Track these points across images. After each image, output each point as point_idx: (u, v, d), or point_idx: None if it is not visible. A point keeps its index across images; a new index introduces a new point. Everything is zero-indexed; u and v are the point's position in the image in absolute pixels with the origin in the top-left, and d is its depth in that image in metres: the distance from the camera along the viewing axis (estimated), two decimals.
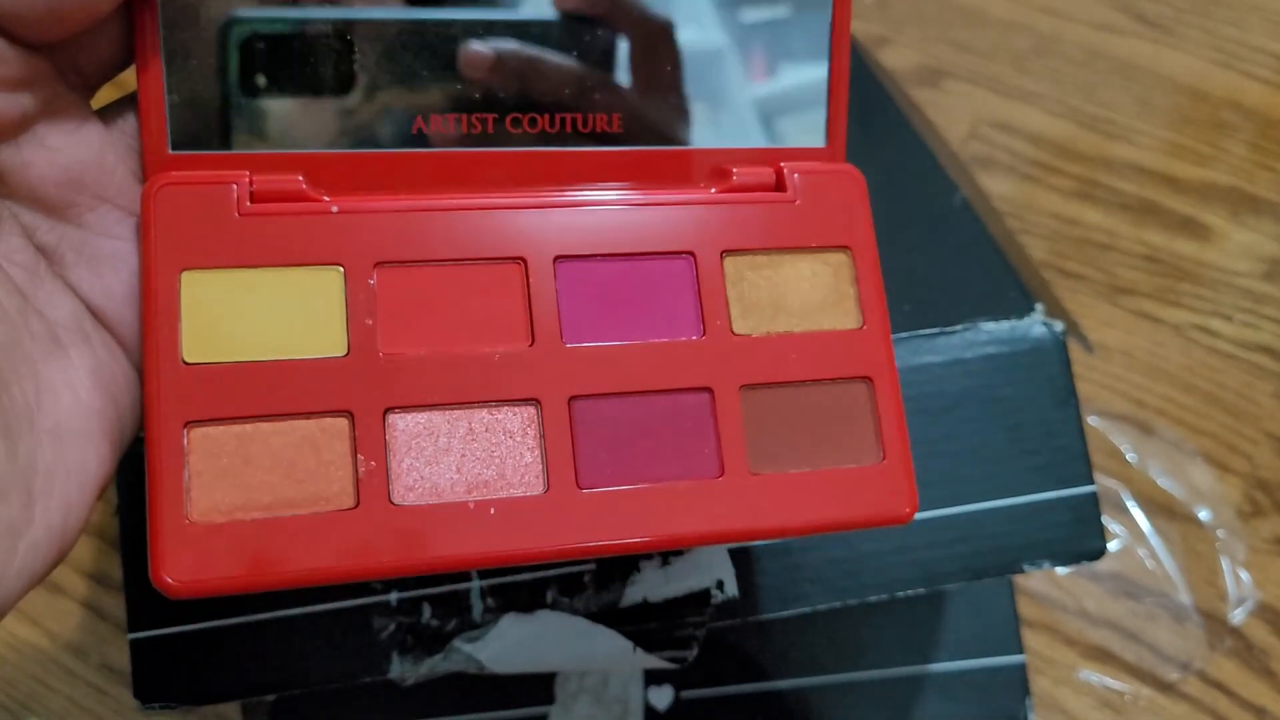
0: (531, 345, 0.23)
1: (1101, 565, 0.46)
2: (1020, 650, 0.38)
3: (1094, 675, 0.44)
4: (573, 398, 0.23)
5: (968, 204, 0.38)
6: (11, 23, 0.20)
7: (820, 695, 0.37)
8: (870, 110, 0.42)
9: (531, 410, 0.23)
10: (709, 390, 0.24)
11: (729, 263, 0.25)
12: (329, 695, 0.33)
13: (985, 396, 0.33)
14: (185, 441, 0.21)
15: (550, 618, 0.30)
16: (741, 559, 0.31)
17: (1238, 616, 0.45)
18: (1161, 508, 0.47)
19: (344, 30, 0.23)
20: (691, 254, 0.25)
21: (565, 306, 0.24)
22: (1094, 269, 0.53)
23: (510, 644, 0.30)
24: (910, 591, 0.32)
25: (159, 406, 0.21)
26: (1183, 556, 0.46)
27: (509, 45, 0.24)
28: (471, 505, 0.22)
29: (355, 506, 0.22)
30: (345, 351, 0.23)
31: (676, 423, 0.24)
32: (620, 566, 0.31)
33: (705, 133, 0.26)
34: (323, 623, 0.30)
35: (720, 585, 0.31)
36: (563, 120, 0.25)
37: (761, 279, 0.25)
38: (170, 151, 0.23)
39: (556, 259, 0.24)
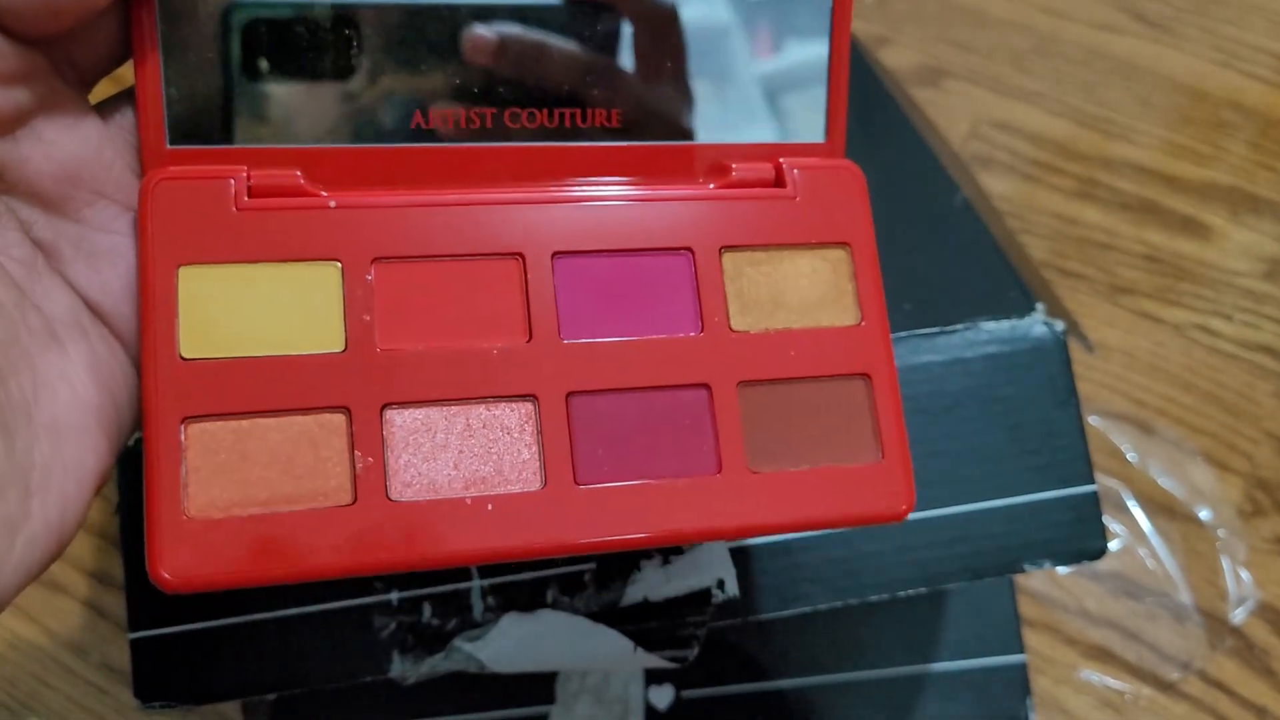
0: (529, 341, 0.23)
1: (1102, 565, 0.46)
2: (1021, 650, 0.38)
3: (1094, 675, 0.44)
4: (570, 394, 0.23)
5: (968, 204, 0.38)
6: (8, 18, 0.20)
7: (821, 695, 0.37)
8: (871, 110, 0.42)
9: (529, 406, 0.23)
10: (707, 387, 0.24)
11: (728, 259, 0.25)
12: (330, 694, 0.33)
13: (986, 396, 0.33)
14: (183, 437, 0.21)
15: (551, 617, 0.30)
16: (742, 558, 0.31)
17: (1238, 616, 0.45)
18: (1162, 507, 0.47)
19: (346, 15, 0.23)
20: (690, 250, 0.25)
21: (563, 302, 0.24)
22: (1094, 268, 0.53)
23: (511, 643, 0.30)
24: (911, 591, 0.32)
25: (156, 402, 0.21)
26: (1183, 556, 0.46)
27: (512, 30, 0.24)
28: (469, 501, 0.22)
29: (353, 502, 0.22)
30: (343, 347, 0.23)
31: (674, 419, 0.24)
32: (621, 566, 0.31)
33: (705, 128, 0.26)
34: (323, 622, 0.30)
35: (721, 585, 0.31)
36: (562, 115, 0.25)
37: (760, 275, 0.25)
38: (168, 146, 0.23)
39: (555, 255, 0.24)
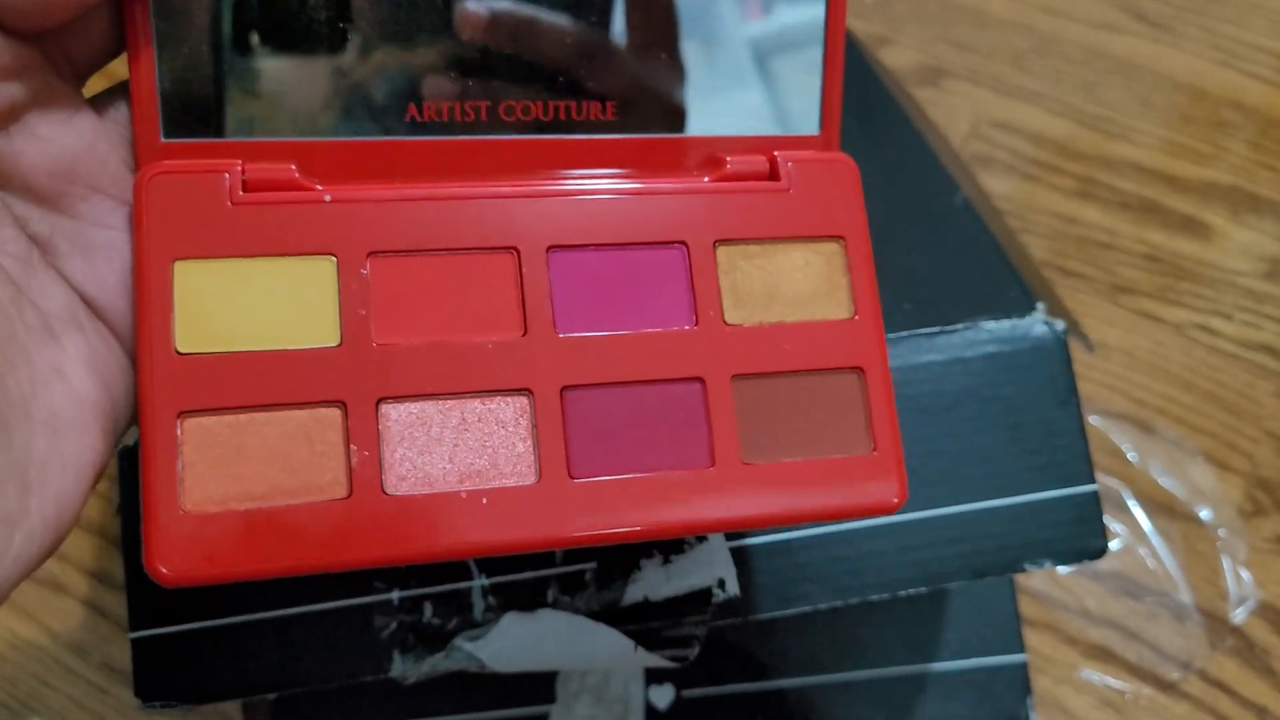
0: (524, 335, 0.23)
1: (1102, 564, 0.46)
2: (1021, 649, 0.38)
3: (1095, 674, 0.44)
4: (565, 388, 0.23)
5: (968, 203, 0.38)
6: (3, 13, 0.20)
7: (821, 694, 0.37)
8: (871, 109, 0.42)
9: (524, 400, 0.23)
10: (701, 380, 0.24)
11: (722, 252, 0.25)
12: (330, 694, 0.33)
13: (986, 395, 0.33)
14: (179, 432, 0.21)
15: (551, 616, 0.30)
16: (743, 558, 0.31)
17: (1239, 616, 0.45)
18: (1162, 507, 0.47)
19: None
20: (684, 243, 0.25)
21: (558, 296, 0.24)
22: (1094, 268, 0.53)
23: (511, 643, 0.30)
24: (911, 590, 0.32)
25: (152, 397, 0.21)
26: (1184, 556, 0.46)
27: (504, 5, 0.24)
28: (464, 495, 0.22)
29: (348, 496, 0.22)
30: (338, 341, 0.23)
31: (668, 413, 0.24)
32: (621, 565, 0.31)
33: (699, 120, 0.26)
34: (324, 621, 0.30)
35: (721, 584, 0.31)
36: (556, 108, 0.25)
37: (754, 268, 0.25)
38: (162, 140, 0.23)
39: (549, 249, 0.24)
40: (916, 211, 0.38)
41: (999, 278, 0.35)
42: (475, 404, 0.23)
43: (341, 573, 0.30)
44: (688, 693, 0.36)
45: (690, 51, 0.25)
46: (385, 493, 0.22)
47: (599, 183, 0.25)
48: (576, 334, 0.24)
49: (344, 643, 0.30)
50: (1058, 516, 0.32)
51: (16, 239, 0.22)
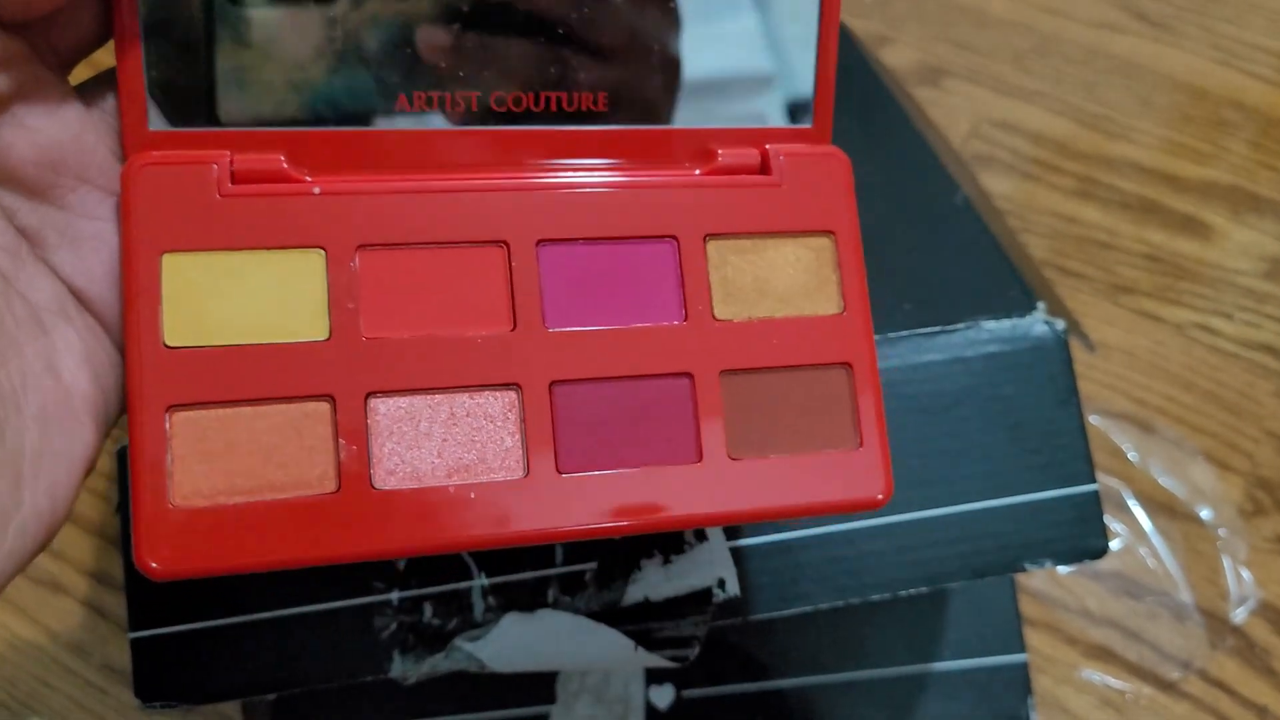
0: (513, 329, 0.23)
1: (1103, 564, 0.46)
2: (1022, 649, 0.38)
3: (1095, 674, 0.44)
4: (554, 382, 0.23)
5: (969, 202, 0.38)
6: None
7: (822, 694, 0.37)
8: (871, 109, 0.42)
9: (512, 395, 0.23)
10: (690, 376, 0.24)
11: (712, 247, 0.25)
12: (330, 694, 0.33)
13: (986, 395, 0.33)
14: (168, 425, 0.21)
15: (552, 617, 0.30)
16: (743, 558, 0.31)
17: (1239, 615, 0.45)
18: (1163, 507, 0.47)
19: None
20: (674, 238, 0.25)
21: (547, 290, 0.24)
22: (1095, 268, 0.53)
23: (511, 643, 0.30)
24: (912, 590, 0.32)
25: (141, 390, 0.21)
26: (1184, 555, 0.46)
27: (465, 25, 0.24)
28: (452, 489, 0.22)
29: (337, 491, 0.22)
30: (327, 335, 0.23)
31: (656, 408, 0.24)
32: (621, 565, 0.31)
33: (691, 111, 0.26)
34: (324, 622, 0.30)
35: (722, 584, 0.31)
36: (547, 99, 0.25)
37: (744, 263, 0.25)
38: (150, 129, 0.23)
39: (539, 242, 0.24)
40: (917, 211, 0.38)
41: (999, 277, 0.35)
42: (464, 398, 0.23)
43: (333, 568, 0.30)
44: (688, 693, 0.36)
45: (683, 41, 0.25)
46: (374, 487, 0.22)
47: (589, 175, 0.25)
48: (565, 328, 0.24)
49: (344, 643, 0.30)
50: (1058, 516, 0.32)
51: (4, 231, 0.22)
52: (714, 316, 0.25)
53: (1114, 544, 0.46)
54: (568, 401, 0.23)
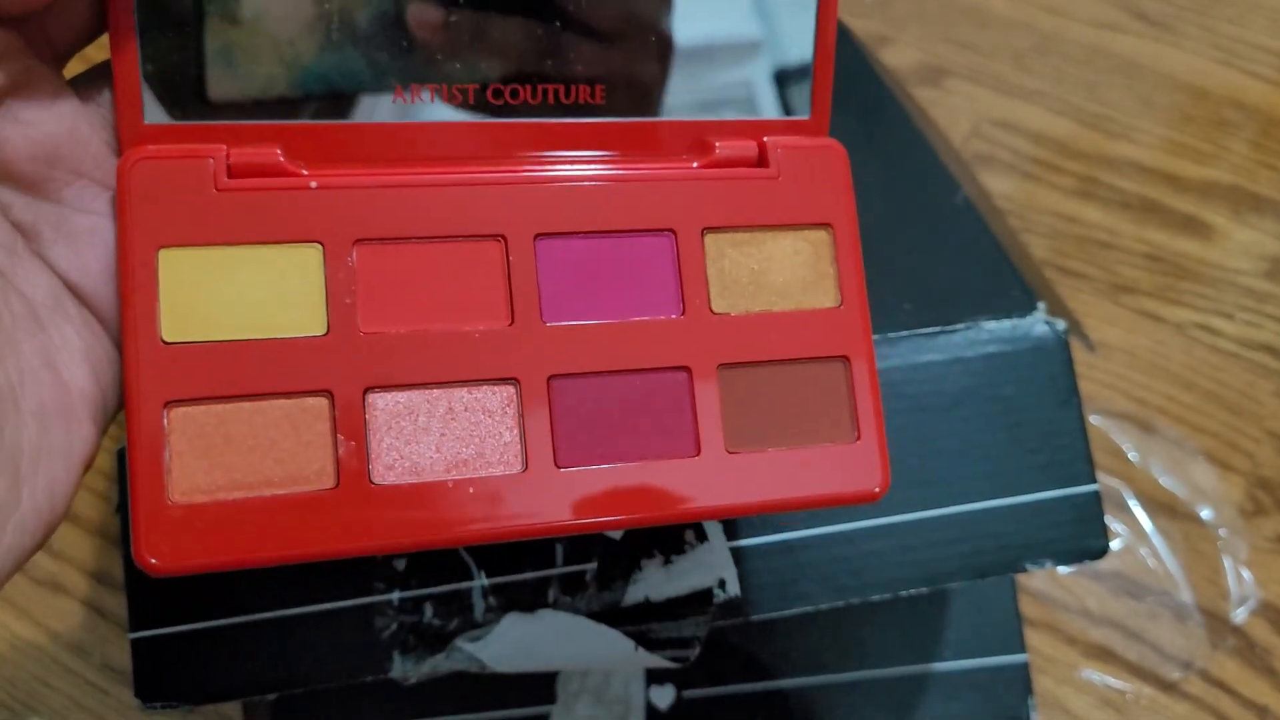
0: (511, 324, 0.23)
1: (1103, 564, 0.46)
2: (1022, 649, 0.38)
3: (1096, 674, 0.44)
4: (552, 377, 0.23)
5: (969, 202, 0.38)
6: None
7: (822, 694, 0.37)
8: (872, 108, 0.42)
9: (511, 389, 0.23)
10: (687, 369, 0.24)
11: (710, 240, 0.25)
12: (330, 695, 0.33)
13: (987, 395, 0.32)
14: (165, 421, 0.21)
15: (552, 617, 0.30)
16: (744, 558, 0.31)
17: (1240, 615, 0.45)
18: (1163, 507, 0.47)
19: None
20: (672, 231, 0.25)
21: (545, 284, 0.24)
22: (1095, 267, 0.53)
23: (512, 643, 0.30)
24: (912, 591, 0.32)
25: (138, 386, 0.21)
26: (1185, 555, 0.46)
27: (458, 4, 0.24)
28: (450, 484, 0.22)
29: (335, 486, 0.22)
30: (325, 330, 0.22)
31: (654, 402, 0.24)
32: (622, 565, 0.31)
33: (688, 103, 0.26)
34: (324, 622, 0.30)
35: (722, 584, 0.31)
36: (545, 91, 0.25)
37: (742, 256, 0.25)
38: (145, 122, 0.22)
39: (537, 236, 0.24)
40: (918, 211, 0.38)
41: (1000, 277, 0.35)
42: (462, 393, 0.23)
43: (333, 568, 0.30)
44: (688, 693, 0.36)
45: (681, 39, 0.25)
46: (372, 482, 0.22)
47: (587, 169, 0.25)
48: (563, 323, 0.24)
49: (344, 643, 0.30)
50: (1058, 516, 0.32)
51: (0, 227, 0.21)
52: (711, 310, 0.25)
53: (1114, 544, 0.46)
54: (566, 396, 0.23)
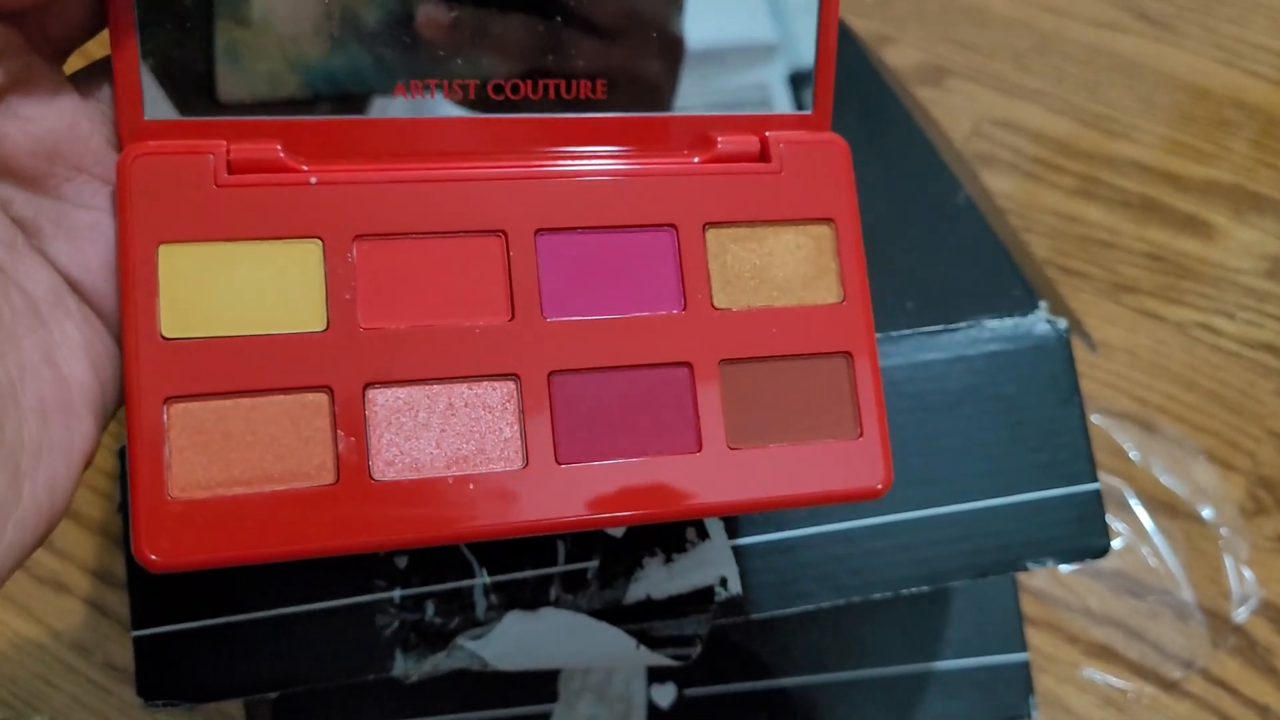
0: (511, 319, 0.23)
1: (1104, 563, 0.46)
2: (1023, 648, 0.38)
3: (1097, 673, 0.44)
4: (552, 373, 0.23)
5: (971, 202, 0.38)
6: None
7: (823, 693, 0.37)
8: (873, 108, 0.42)
9: (511, 385, 0.23)
10: (688, 365, 0.24)
11: (711, 235, 0.25)
12: (332, 693, 0.33)
13: (988, 394, 0.33)
14: (165, 417, 0.21)
15: (554, 615, 0.30)
16: (745, 556, 0.31)
17: (1241, 614, 0.45)
18: (1164, 506, 0.47)
19: None
20: (673, 226, 0.25)
21: (545, 280, 0.24)
22: (1096, 267, 0.53)
23: (514, 641, 0.30)
24: (913, 589, 0.32)
25: (138, 382, 0.21)
26: (1186, 554, 0.46)
27: (465, 3, 0.24)
28: (451, 480, 0.22)
29: (335, 482, 0.22)
30: (325, 326, 0.22)
31: (656, 398, 0.24)
32: (624, 563, 0.31)
33: (690, 98, 0.25)
34: (326, 620, 0.30)
35: (724, 583, 0.31)
36: (545, 86, 0.25)
37: (744, 252, 0.25)
38: (145, 118, 0.22)
39: (537, 231, 0.24)
40: (919, 210, 0.38)
41: (1001, 276, 0.35)
42: (462, 389, 0.23)
43: (334, 566, 0.30)
44: (690, 691, 0.36)
45: (683, 33, 0.25)
46: (372, 478, 0.22)
47: (588, 164, 0.25)
48: (564, 318, 0.24)
49: (346, 642, 0.30)
50: (1060, 515, 0.32)
51: (0, 222, 0.21)
52: (713, 305, 0.25)
53: (1116, 543, 0.46)
54: (566, 391, 0.23)
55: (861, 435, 0.25)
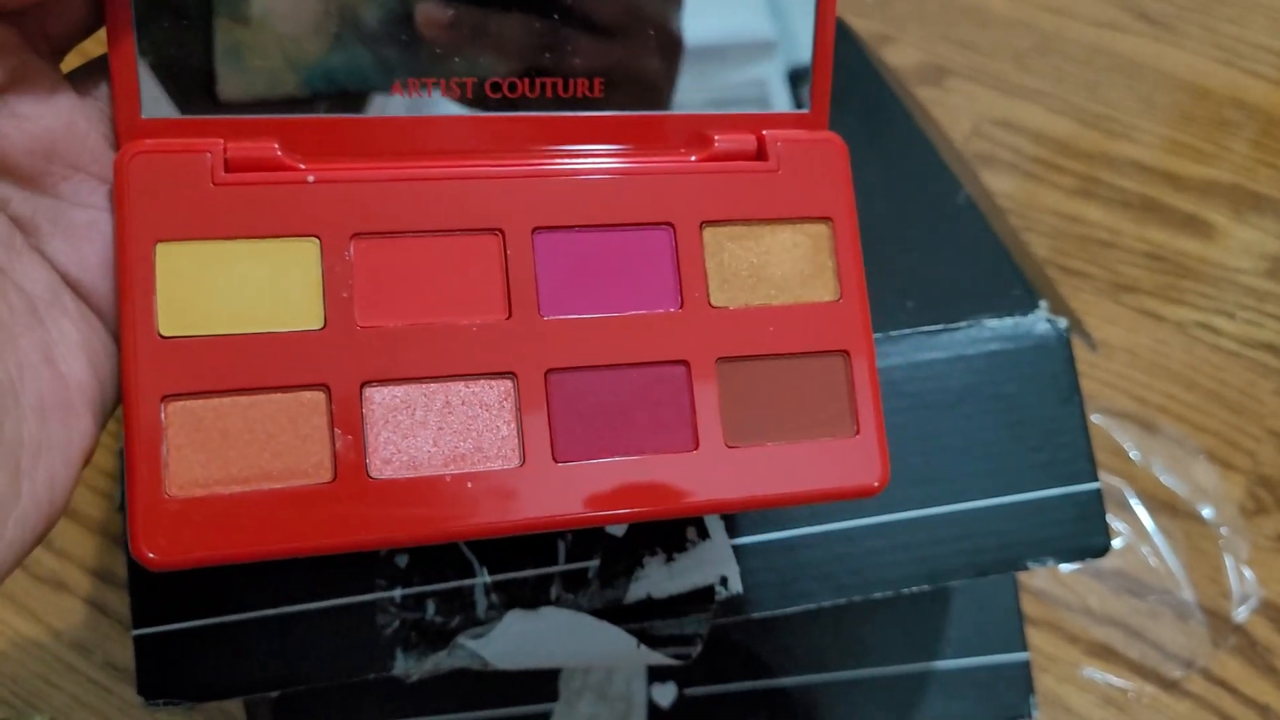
0: (509, 318, 0.23)
1: (1105, 563, 0.46)
2: (1024, 647, 0.38)
3: (1097, 673, 0.44)
4: (549, 371, 0.23)
5: (971, 201, 0.38)
6: None
7: (824, 692, 0.37)
8: (873, 108, 0.42)
9: (508, 383, 0.23)
10: (686, 363, 0.24)
11: (708, 233, 0.25)
12: (332, 692, 0.33)
13: (989, 393, 0.33)
14: (163, 415, 0.21)
15: (554, 614, 0.30)
16: (745, 555, 0.31)
17: (1241, 614, 0.45)
18: (1165, 505, 0.47)
19: None
20: (671, 225, 0.25)
21: (543, 278, 0.24)
22: (1096, 266, 0.53)
23: (514, 640, 0.30)
24: (914, 588, 0.32)
25: (136, 380, 0.21)
26: (1186, 554, 0.46)
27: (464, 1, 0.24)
28: (448, 478, 0.22)
29: (332, 480, 0.22)
30: (322, 324, 0.22)
31: (653, 396, 0.24)
32: (624, 563, 0.31)
33: (687, 96, 0.25)
34: (326, 619, 0.30)
35: (724, 582, 0.31)
36: (543, 85, 0.25)
37: (741, 250, 0.25)
38: (143, 116, 0.22)
39: (535, 230, 0.24)
40: (919, 210, 0.38)
41: (1002, 276, 0.35)
42: (460, 387, 0.23)
43: (334, 565, 0.30)
44: (690, 691, 0.36)
45: (680, 32, 0.25)
46: (370, 476, 0.22)
47: (585, 162, 0.25)
48: (561, 316, 0.24)
49: (347, 641, 0.30)
50: (1060, 514, 0.32)
51: None
52: (710, 304, 0.25)
53: (1116, 542, 0.46)
54: (563, 389, 0.23)
55: (858, 433, 0.25)
